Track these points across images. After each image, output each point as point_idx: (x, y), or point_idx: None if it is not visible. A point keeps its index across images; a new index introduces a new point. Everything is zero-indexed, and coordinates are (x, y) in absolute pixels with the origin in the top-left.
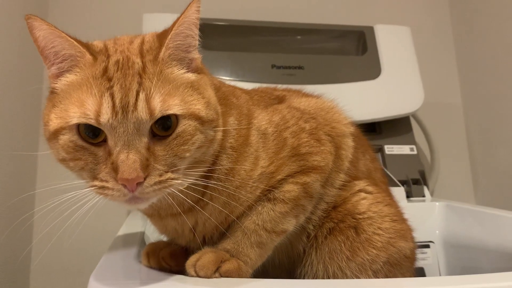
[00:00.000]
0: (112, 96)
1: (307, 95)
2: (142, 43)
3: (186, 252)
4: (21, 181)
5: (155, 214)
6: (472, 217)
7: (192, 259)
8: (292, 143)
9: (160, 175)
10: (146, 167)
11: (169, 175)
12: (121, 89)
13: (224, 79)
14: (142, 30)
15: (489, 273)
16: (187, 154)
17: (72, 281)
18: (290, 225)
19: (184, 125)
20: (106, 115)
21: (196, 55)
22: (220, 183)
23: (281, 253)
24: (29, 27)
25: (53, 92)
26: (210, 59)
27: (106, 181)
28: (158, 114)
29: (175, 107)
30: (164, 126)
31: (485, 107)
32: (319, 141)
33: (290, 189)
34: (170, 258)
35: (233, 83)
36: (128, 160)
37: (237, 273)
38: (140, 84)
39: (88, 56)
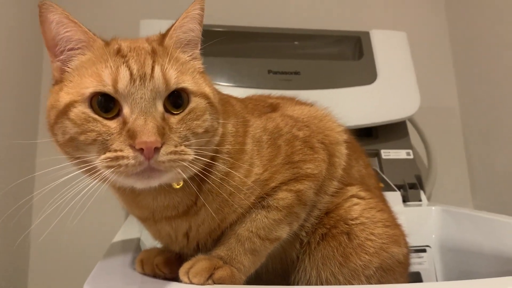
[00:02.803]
0: (128, 67)
1: (300, 103)
2: (147, 38)
3: (180, 259)
4: (19, 183)
5: (150, 218)
6: (469, 221)
7: (185, 266)
8: (286, 150)
9: (175, 146)
10: (162, 135)
11: (183, 147)
12: (136, 62)
13: (221, 85)
14: (139, 36)
15: (485, 278)
16: (200, 130)
17: (72, 286)
18: (284, 232)
19: (196, 102)
20: (124, 81)
21: (198, 50)
22: (215, 187)
23: (275, 260)
24: (43, 11)
25: (58, 82)
26: (207, 65)
27: (121, 150)
28: (173, 85)
29: (187, 82)
30: (175, 105)
31: (482, 110)
32: (313, 149)
33: (284, 196)
34: (164, 265)
35: (230, 89)
36: (147, 124)
37: (230, 280)
38: (154, 60)
39: (100, 41)
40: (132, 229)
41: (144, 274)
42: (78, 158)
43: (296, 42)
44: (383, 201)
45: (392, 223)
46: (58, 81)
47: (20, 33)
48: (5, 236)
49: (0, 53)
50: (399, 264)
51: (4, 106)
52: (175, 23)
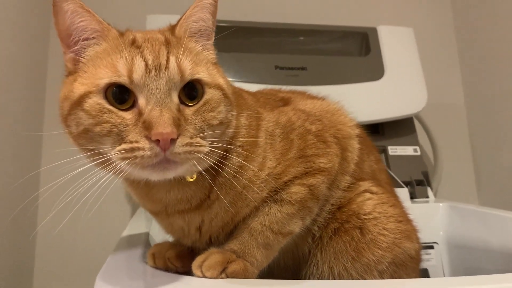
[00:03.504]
0: (143, 58)
1: (312, 97)
2: (159, 30)
3: (192, 253)
4: (24, 182)
5: (162, 212)
6: (476, 218)
7: (198, 260)
8: (299, 144)
9: (191, 138)
10: (178, 126)
11: (199, 139)
12: (151, 53)
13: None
14: None
15: (492, 274)
16: (215, 122)
17: (77, 283)
18: (297, 226)
19: (211, 94)
20: (140, 72)
21: (210, 41)
22: (229, 180)
23: (287, 254)
24: (57, 1)
25: (71, 73)
26: None
27: (137, 142)
28: (188, 76)
29: (202, 73)
30: (190, 96)
31: (488, 107)
32: (325, 143)
33: (297, 190)
34: (176, 259)
35: (236, 84)
36: (162, 115)
37: (243, 274)
38: (168, 51)
39: (114, 31)
40: (140, 224)
41: (156, 268)
42: (92, 150)
43: (303, 38)
44: (395, 196)
45: (404, 218)
46: (72, 72)
47: (24, 30)
48: (9, 234)
49: (4, 47)
50: (411, 259)
51: (9, 102)
52: (185, 12)
